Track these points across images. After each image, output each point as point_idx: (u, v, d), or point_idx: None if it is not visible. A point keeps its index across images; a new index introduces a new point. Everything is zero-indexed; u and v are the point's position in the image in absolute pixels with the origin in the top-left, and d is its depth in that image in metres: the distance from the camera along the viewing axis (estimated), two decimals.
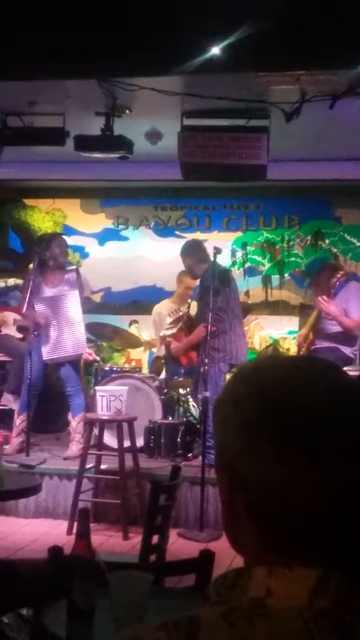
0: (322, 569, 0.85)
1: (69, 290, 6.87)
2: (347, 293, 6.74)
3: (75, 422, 6.80)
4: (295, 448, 0.87)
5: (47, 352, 6.78)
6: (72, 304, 6.85)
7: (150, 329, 8.48)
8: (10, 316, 7.79)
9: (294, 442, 0.87)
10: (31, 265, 7.05)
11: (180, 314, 7.72)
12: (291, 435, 0.87)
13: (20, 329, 7.53)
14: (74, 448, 6.68)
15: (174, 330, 7.39)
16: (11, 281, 7.97)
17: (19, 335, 7.56)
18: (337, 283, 6.79)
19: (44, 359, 6.78)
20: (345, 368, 6.55)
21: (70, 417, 6.91)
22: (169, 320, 7.87)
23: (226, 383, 0.99)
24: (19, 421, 6.80)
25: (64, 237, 7.31)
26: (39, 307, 6.77)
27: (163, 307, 8.39)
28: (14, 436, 6.79)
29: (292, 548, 0.88)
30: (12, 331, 7.76)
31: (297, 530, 0.88)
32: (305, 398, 0.89)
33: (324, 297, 6.63)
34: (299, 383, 0.91)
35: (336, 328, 6.70)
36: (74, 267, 7.26)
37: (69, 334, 6.82)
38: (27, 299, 6.66)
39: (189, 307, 7.66)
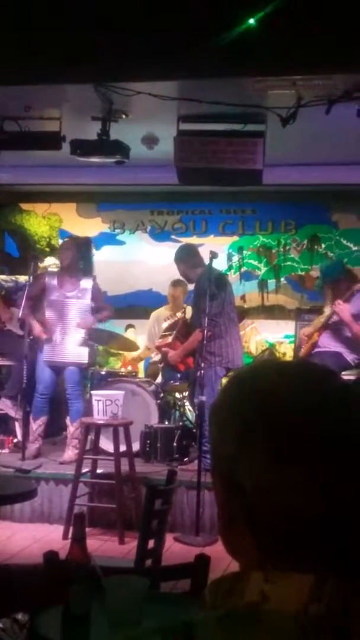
0: (318, 574, 0.85)
1: (82, 298, 6.89)
2: (358, 302, 6.72)
3: (74, 428, 6.80)
4: (289, 452, 0.87)
5: (47, 354, 6.82)
6: (81, 312, 6.87)
7: (145, 335, 8.52)
8: (16, 313, 7.80)
9: (289, 446, 0.87)
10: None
11: (176, 319, 7.74)
12: (286, 439, 0.87)
13: (23, 325, 7.55)
14: (70, 453, 6.68)
15: (169, 340, 7.40)
16: (22, 279, 7.98)
17: (21, 332, 7.53)
18: (356, 292, 6.75)
19: (44, 359, 6.82)
20: (342, 372, 6.58)
21: (68, 421, 6.90)
22: (164, 325, 7.91)
23: (222, 387, 0.99)
24: (35, 426, 6.82)
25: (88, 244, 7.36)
26: (49, 311, 6.83)
27: (158, 314, 8.43)
28: (30, 441, 6.78)
29: (288, 552, 0.88)
30: (16, 328, 7.74)
31: (292, 535, 0.88)
32: (301, 403, 0.89)
33: (340, 301, 6.62)
34: (294, 388, 0.91)
35: (347, 333, 6.71)
36: (93, 275, 7.26)
37: (72, 341, 6.84)
38: (23, 303, 6.69)
39: (184, 312, 7.68)
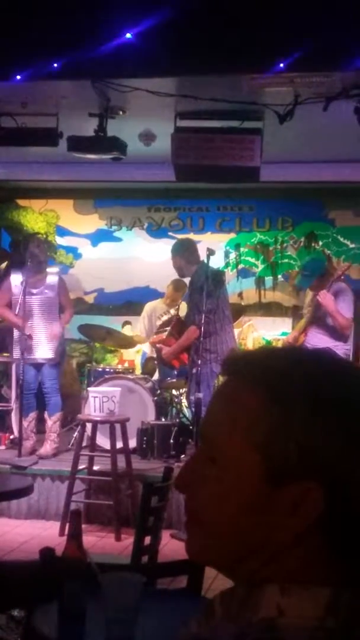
0: (334, 587, 0.82)
1: (48, 295, 6.91)
2: (335, 291, 6.69)
3: (52, 422, 6.85)
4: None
5: (17, 352, 6.83)
6: (49, 309, 6.90)
7: (140, 327, 8.51)
8: None
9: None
10: (2, 265, 7.13)
11: (170, 315, 7.74)
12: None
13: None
14: (48, 447, 6.76)
15: (164, 336, 7.39)
16: None
17: None
18: (336, 279, 6.74)
19: (16, 357, 6.85)
20: None
21: (46, 415, 6.91)
22: (158, 323, 7.90)
23: (280, 368, 0.88)
24: (26, 423, 6.81)
25: (40, 237, 7.45)
26: (15, 309, 6.85)
27: (154, 307, 8.41)
28: (24, 439, 6.77)
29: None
30: None
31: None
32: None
33: (324, 291, 6.58)
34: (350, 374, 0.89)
35: (329, 322, 6.67)
36: (57, 270, 7.35)
37: (40, 338, 6.85)
38: (20, 301, 6.69)
39: (178, 309, 7.68)
